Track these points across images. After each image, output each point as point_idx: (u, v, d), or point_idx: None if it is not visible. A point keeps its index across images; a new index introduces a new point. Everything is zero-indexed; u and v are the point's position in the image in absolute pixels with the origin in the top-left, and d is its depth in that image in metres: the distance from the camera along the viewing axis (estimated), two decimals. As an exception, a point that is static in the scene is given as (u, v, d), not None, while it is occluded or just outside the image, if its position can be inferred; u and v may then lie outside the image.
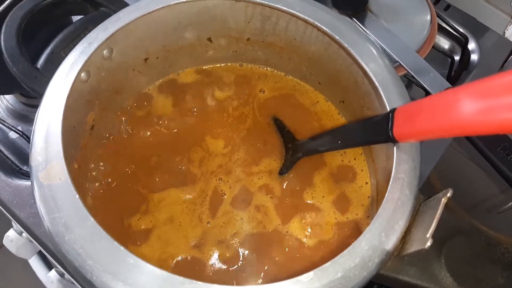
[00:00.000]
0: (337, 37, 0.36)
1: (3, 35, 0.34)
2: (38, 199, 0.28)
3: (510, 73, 0.23)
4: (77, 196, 0.28)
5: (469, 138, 0.47)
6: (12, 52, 0.34)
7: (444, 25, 0.62)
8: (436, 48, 0.63)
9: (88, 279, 0.26)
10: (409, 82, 0.60)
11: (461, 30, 0.62)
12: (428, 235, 0.25)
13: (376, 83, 0.34)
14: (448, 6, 0.66)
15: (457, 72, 0.61)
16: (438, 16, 0.61)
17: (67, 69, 0.33)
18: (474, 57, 0.62)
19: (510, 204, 0.49)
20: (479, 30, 0.64)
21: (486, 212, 0.54)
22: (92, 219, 0.27)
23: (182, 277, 0.26)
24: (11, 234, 0.55)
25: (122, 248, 0.26)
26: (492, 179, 0.57)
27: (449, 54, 0.62)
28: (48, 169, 0.29)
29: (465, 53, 0.62)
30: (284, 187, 0.41)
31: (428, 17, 0.55)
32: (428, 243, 0.24)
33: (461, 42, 0.62)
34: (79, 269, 0.26)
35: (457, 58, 0.62)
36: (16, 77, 0.34)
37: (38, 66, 0.35)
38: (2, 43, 0.34)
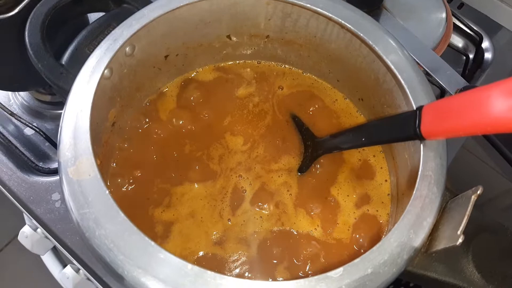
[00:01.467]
0: (361, 34, 0.36)
1: (28, 31, 0.34)
2: (68, 194, 0.28)
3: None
4: (107, 191, 0.28)
5: (487, 137, 0.47)
6: (37, 48, 0.34)
7: (458, 23, 0.62)
8: (450, 46, 0.63)
9: (119, 274, 0.26)
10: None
11: (475, 28, 0.62)
12: (459, 232, 0.25)
13: (401, 80, 0.34)
14: (462, 4, 0.66)
15: (471, 71, 0.61)
16: (452, 14, 0.61)
17: (93, 66, 0.33)
18: (488, 55, 0.62)
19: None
20: (492, 28, 0.64)
21: (501, 211, 0.54)
22: (122, 214, 0.27)
23: (213, 272, 0.26)
24: (26, 230, 0.55)
25: (153, 243, 0.27)
26: (503, 179, 0.57)
27: (463, 52, 0.62)
28: (77, 165, 0.29)
29: (479, 52, 0.62)
30: (304, 184, 0.41)
31: (444, 15, 0.55)
32: (460, 240, 0.24)
33: (475, 41, 0.62)
34: (110, 264, 0.27)
35: (471, 56, 0.62)
36: (41, 73, 0.34)
37: (63, 63, 0.35)
38: (27, 39, 0.34)
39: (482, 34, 0.61)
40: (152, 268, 0.26)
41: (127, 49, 0.37)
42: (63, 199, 0.29)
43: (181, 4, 0.37)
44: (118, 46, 0.34)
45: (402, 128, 0.31)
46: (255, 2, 0.40)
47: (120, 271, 0.26)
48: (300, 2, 0.37)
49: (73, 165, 0.29)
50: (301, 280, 0.27)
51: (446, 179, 0.30)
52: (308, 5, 0.37)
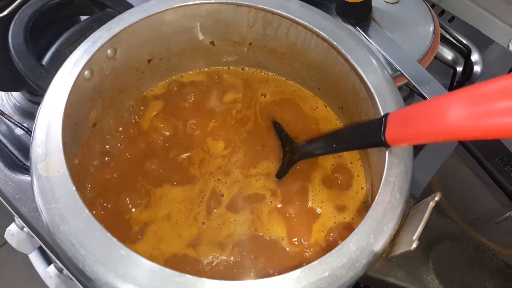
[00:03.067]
0: (335, 43, 0.36)
1: (11, 32, 0.36)
2: (36, 190, 0.29)
3: (498, 80, 0.24)
4: (74, 188, 0.29)
5: (467, 148, 0.47)
6: (19, 48, 0.35)
7: (447, 36, 0.63)
8: (439, 59, 0.63)
9: (80, 268, 0.27)
10: (411, 92, 0.60)
11: (464, 41, 0.62)
12: (414, 237, 0.25)
13: (372, 89, 0.34)
14: (453, 18, 0.66)
15: (460, 83, 0.61)
16: (442, 27, 0.61)
17: (70, 66, 0.34)
18: (477, 68, 0.63)
19: (507, 214, 0.49)
20: (483, 42, 0.64)
21: (483, 222, 0.54)
22: (87, 211, 0.28)
23: (171, 270, 0.26)
24: (12, 228, 0.56)
25: (114, 239, 0.27)
26: (491, 189, 0.57)
27: (451, 65, 0.62)
28: (47, 162, 0.29)
29: (468, 64, 0.62)
30: (281, 190, 0.42)
31: (431, 28, 0.56)
32: (414, 245, 0.25)
33: (464, 53, 0.62)
34: (72, 259, 0.27)
35: (459, 69, 0.63)
36: (22, 72, 0.35)
37: (43, 63, 0.36)
38: (10, 40, 0.35)
39: (471, 47, 0.62)
40: (113, 264, 0.27)
41: (108, 51, 0.37)
42: (33, 194, 0.29)
43: (162, 9, 0.38)
44: (96, 48, 0.35)
45: (369, 134, 0.31)
46: (237, 9, 0.40)
47: (81, 265, 0.27)
48: (277, 11, 0.38)
49: (43, 162, 0.30)
50: (261, 280, 0.27)
51: (410, 186, 0.30)
52: (285, 14, 0.38)
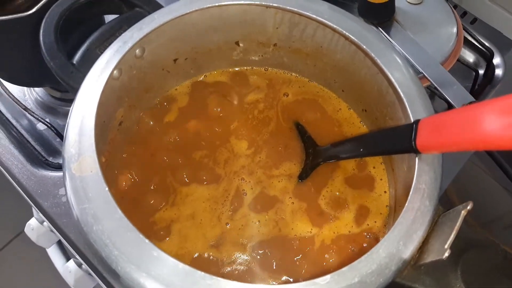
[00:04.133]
0: (364, 46, 0.36)
1: (42, 30, 0.36)
2: (69, 189, 0.30)
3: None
4: (107, 188, 0.29)
5: (489, 153, 0.47)
6: (50, 47, 0.36)
7: (469, 38, 0.62)
8: (461, 61, 0.63)
9: (113, 269, 0.27)
10: (432, 94, 0.60)
11: (486, 44, 0.61)
12: (446, 246, 0.25)
13: (401, 93, 0.34)
14: (475, 20, 0.66)
15: (481, 86, 0.61)
16: (464, 29, 0.61)
17: (102, 66, 0.34)
18: (498, 71, 0.62)
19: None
20: (505, 45, 0.64)
21: (502, 229, 0.53)
22: (120, 211, 0.28)
23: (203, 273, 0.27)
24: (32, 222, 0.57)
25: (147, 241, 0.27)
26: (510, 195, 0.56)
27: (473, 68, 0.62)
28: (80, 161, 0.30)
29: (490, 67, 0.61)
30: (303, 191, 0.42)
31: (455, 30, 0.55)
32: (446, 254, 0.25)
33: (486, 56, 0.62)
34: (105, 259, 0.27)
35: (481, 72, 0.62)
36: (53, 71, 0.35)
37: (74, 62, 0.37)
38: (41, 38, 0.36)
39: (494, 50, 0.61)
40: (145, 265, 0.27)
41: (137, 51, 0.38)
42: (65, 193, 0.30)
43: (191, 10, 0.38)
44: (128, 48, 0.35)
45: (398, 140, 0.31)
46: (264, 11, 0.41)
47: (114, 266, 0.27)
48: (306, 13, 0.38)
49: (77, 161, 0.30)
50: (288, 285, 0.27)
51: (439, 193, 0.30)
52: (314, 16, 0.38)
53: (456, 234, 0.26)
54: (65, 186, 0.30)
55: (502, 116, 0.25)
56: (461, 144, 0.27)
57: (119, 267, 0.27)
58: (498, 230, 0.53)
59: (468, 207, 0.26)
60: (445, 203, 0.32)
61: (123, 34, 0.35)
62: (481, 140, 0.26)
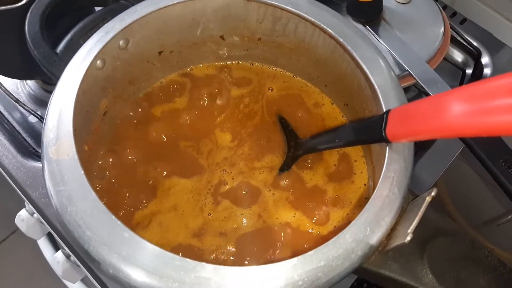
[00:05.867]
0: (341, 40, 0.37)
1: (28, 20, 0.37)
2: (47, 172, 0.30)
3: (498, 78, 0.24)
4: (82, 172, 0.30)
5: (472, 150, 0.47)
6: (34, 36, 0.36)
7: (458, 38, 0.63)
8: (449, 61, 0.63)
9: (85, 249, 0.28)
10: (419, 92, 0.61)
11: (474, 43, 0.62)
12: (409, 231, 0.26)
13: (376, 87, 0.35)
14: (465, 20, 0.66)
15: (469, 85, 0.61)
16: (453, 28, 0.61)
17: (83, 55, 0.35)
18: (487, 71, 0.62)
19: (510, 217, 0.49)
20: (494, 45, 0.64)
21: (486, 224, 0.54)
22: (94, 194, 0.29)
23: (173, 254, 0.27)
24: (23, 213, 0.58)
25: (119, 222, 0.28)
26: (495, 191, 0.57)
27: (461, 67, 0.63)
28: (58, 145, 0.31)
29: (478, 67, 0.62)
30: (284, 183, 0.42)
31: (442, 29, 0.56)
32: (408, 238, 0.25)
33: (474, 56, 0.62)
34: (77, 240, 0.28)
35: (469, 71, 0.63)
36: (36, 60, 0.36)
37: (58, 51, 0.38)
38: (26, 28, 0.37)
39: (481, 50, 0.62)
40: (117, 246, 0.28)
41: (120, 42, 0.39)
42: (43, 176, 0.31)
43: (174, 3, 0.39)
44: (109, 38, 0.36)
45: (370, 130, 0.32)
46: (247, 5, 0.41)
47: (86, 246, 0.28)
48: (286, 7, 0.39)
49: (54, 145, 0.31)
50: (258, 267, 0.28)
51: (409, 181, 0.31)
52: (293, 10, 0.38)
53: (419, 219, 0.26)
54: (43, 170, 0.31)
55: (466, 103, 0.25)
56: (428, 132, 0.28)
57: (91, 247, 0.28)
58: (481, 225, 0.53)
59: (432, 193, 0.27)
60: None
61: (105, 25, 0.36)
62: (446, 128, 0.26)
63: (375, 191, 0.30)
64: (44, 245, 0.62)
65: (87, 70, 0.34)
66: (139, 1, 0.39)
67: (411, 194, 0.31)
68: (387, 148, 0.32)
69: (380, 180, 0.30)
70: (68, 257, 0.57)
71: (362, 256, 0.28)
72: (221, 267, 0.27)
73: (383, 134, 0.30)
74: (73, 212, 0.29)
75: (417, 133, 0.28)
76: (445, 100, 0.26)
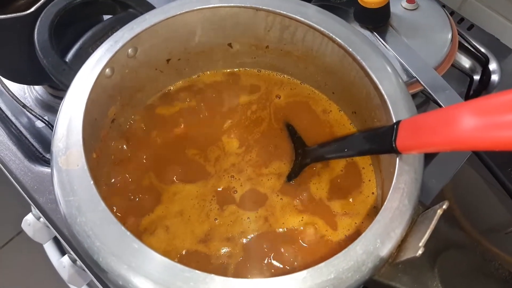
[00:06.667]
0: (350, 50, 0.37)
1: (37, 29, 0.37)
2: (56, 182, 0.30)
3: (509, 92, 0.24)
4: (92, 182, 0.30)
5: (480, 158, 0.47)
6: (44, 45, 0.37)
7: (466, 44, 0.63)
8: (457, 67, 0.63)
9: (95, 260, 0.28)
10: (427, 99, 0.60)
11: (482, 50, 0.62)
12: (420, 244, 0.26)
13: (385, 96, 0.35)
14: (472, 26, 0.66)
15: (476, 92, 0.61)
16: (460, 35, 0.61)
17: (93, 64, 0.35)
18: (494, 77, 0.62)
19: (518, 225, 0.49)
20: (502, 51, 0.64)
21: (494, 232, 0.53)
22: (103, 204, 0.29)
23: (182, 265, 0.27)
24: (29, 218, 0.58)
25: (128, 233, 0.28)
26: (504, 200, 0.56)
27: (468, 73, 0.62)
28: (67, 155, 0.31)
29: (485, 73, 0.62)
30: (292, 190, 0.42)
31: (449, 36, 0.56)
32: (420, 251, 0.25)
33: (482, 62, 0.62)
34: (87, 250, 0.28)
35: (477, 78, 0.62)
36: (46, 68, 0.36)
37: (67, 60, 0.38)
38: (36, 37, 0.37)
39: (489, 56, 0.62)
40: (126, 257, 0.28)
41: (129, 50, 0.39)
42: (52, 186, 0.31)
43: (182, 11, 0.39)
44: (118, 47, 0.36)
45: (380, 141, 0.32)
46: (255, 13, 0.41)
47: (95, 257, 0.28)
48: (295, 16, 0.39)
49: (64, 155, 0.31)
50: (267, 279, 0.28)
51: (419, 193, 0.31)
52: (302, 19, 0.38)
53: (431, 232, 0.26)
54: (52, 179, 0.31)
55: (477, 117, 0.25)
56: (438, 145, 0.28)
57: (100, 258, 0.28)
58: (489, 233, 0.53)
59: (444, 206, 0.27)
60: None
61: (114, 34, 0.36)
62: (457, 141, 0.26)
63: (385, 203, 0.30)
64: (50, 249, 0.62)
65: (97, 79, 0.34)
66: (148, 10, 0.39)
67: (422, 206, 0.31)
68: (397, 159, 0.32)
69: (390, 192, 0.30)
70: (74, 261, 0.58)
71: (372, 268, 0.28)
72: (231, 279, 0.27)
73: (394, 145, 0.30)
74: (83, 223, 0.29)
75: (428, 146, 0.28)
76: (456, 113, 0.26)
